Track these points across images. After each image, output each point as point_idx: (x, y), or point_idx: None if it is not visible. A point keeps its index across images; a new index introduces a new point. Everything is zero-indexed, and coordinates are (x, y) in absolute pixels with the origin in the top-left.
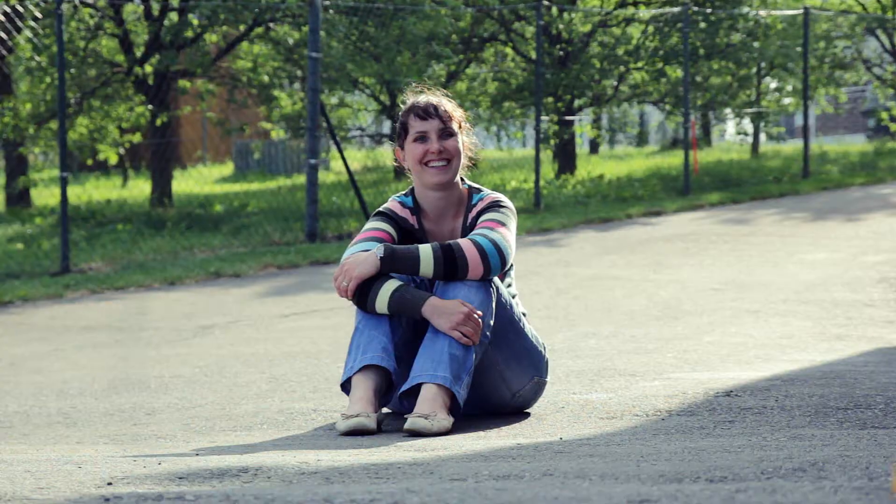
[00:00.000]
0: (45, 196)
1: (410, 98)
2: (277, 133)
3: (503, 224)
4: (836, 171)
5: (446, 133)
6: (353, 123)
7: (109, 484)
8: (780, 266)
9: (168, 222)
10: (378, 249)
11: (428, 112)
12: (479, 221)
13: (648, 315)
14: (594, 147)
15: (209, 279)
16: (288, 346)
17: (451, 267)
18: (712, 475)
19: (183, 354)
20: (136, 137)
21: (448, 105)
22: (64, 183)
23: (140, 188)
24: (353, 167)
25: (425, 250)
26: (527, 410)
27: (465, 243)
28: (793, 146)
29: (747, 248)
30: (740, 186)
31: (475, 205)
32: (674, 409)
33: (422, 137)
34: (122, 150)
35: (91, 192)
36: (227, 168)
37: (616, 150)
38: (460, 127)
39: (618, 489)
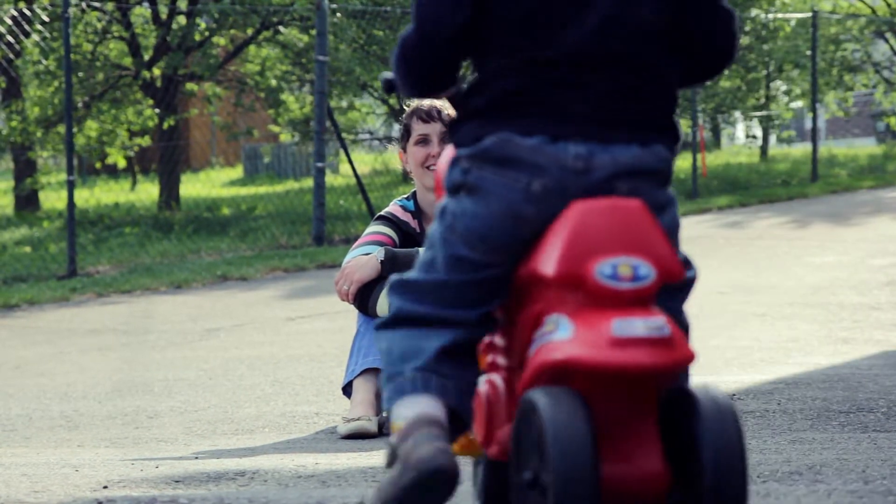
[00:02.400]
0: (52, 199)
1: (416, 101)
2: (286, 136)
3: None
4: (844, 174)
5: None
6: (362, 127)
7: (105, 487)
8: (788, 269)
9: (175, 226)
10: (379, 253)
11: (430, 115)
12: None
13: None
14: None
15: (216, 282)
16: (293, 349)
17: None
18: None
19: (188, 357)
20: (145, 141)
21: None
22: (70, 186)
23: (148, 192)
24: (361, 170)
25: None
26: None
27: None
28: (802, 149)
29: (754, 251)
30: (748, 190)
31: None
32: None
33: (423, 140)
34: (130, 154)
35: (99, 195)
36: (237, 171)
37: None
38: None
39: None
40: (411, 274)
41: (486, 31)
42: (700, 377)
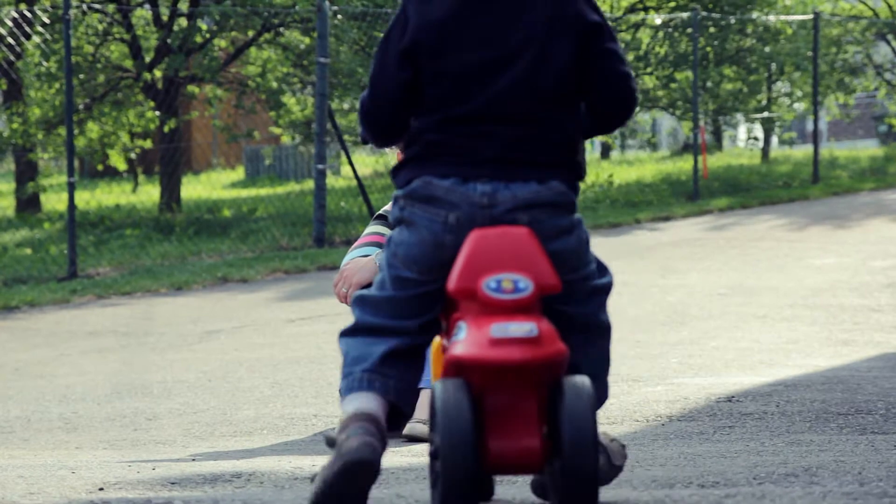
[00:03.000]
0: (53, 201)
1: None
2: (287, 138)
3: None
4: (845, 176)
5: None
6: None
7: (101, 489)
8: (788, 271)
9: (176, 227)
10: (377, 255)
11: None
12: None
13: (654, 320)
14: (605, 152)
15: (216, 284)
16: (293, 351)
17: None
18: (704, 480)
19: (188, 359)
20: (147, 143)
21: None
22: (71, 188)
23: (149, 193)
24: (362, 172)
25: None
26: None
27: None
28: (804, 151)
29: (755, 253)
30: (749, 191)
31: None
32: (674, 415)
33: None
34: (133, 156)
35: (101, 197)
36: (238, 173)
37: (627, 154)
38: None
39: (608, 494)
40: (369, 291)
41: (419, 91)
42: (699, 379)
